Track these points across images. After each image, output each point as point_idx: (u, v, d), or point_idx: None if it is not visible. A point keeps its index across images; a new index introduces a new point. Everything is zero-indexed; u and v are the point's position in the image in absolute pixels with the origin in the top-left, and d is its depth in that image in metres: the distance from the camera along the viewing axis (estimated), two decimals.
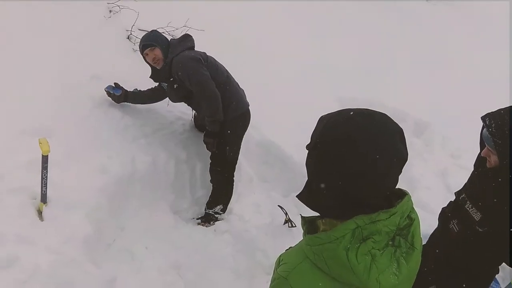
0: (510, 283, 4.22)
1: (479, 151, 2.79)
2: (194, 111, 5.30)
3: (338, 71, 7.88)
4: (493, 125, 2.46)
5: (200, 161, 5.28)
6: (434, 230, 3.29)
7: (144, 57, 4.85)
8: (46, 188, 3.70)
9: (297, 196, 1.62)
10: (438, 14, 10.72)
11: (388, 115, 1.51)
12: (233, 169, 5.09)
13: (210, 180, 5.11)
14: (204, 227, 4.98)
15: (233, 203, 5.22)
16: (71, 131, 4.49)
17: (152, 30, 5.01)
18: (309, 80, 7.34)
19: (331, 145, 1.45)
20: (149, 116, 5.31)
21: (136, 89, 5.25)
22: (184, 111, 5.55)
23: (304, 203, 1.59)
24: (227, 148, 4.89)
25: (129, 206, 4.63)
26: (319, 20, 8.70)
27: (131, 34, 6.29)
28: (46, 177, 3.66)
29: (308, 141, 1.56)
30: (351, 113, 1.49)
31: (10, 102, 4.39)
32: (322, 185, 1.50)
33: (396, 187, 1.56)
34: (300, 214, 1.75)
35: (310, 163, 1.56)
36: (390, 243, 1.52)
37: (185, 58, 4.62)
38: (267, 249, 4.58)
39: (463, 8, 11.65)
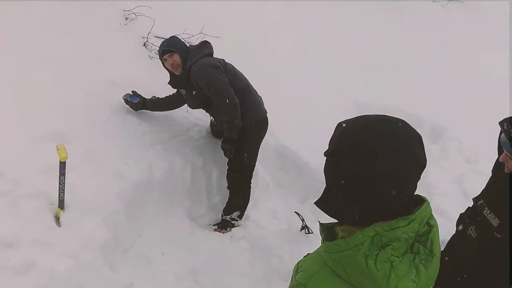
0: None
1: (497, 156, 2.76)
2: (211, 118, 5.30)
3: (354, 75, 7.86)
4: (511, 130, 2.43)
5: (217, 168, 5.28)
6: (452, 236, 3.27)
7: (162, 63, 4.84)
8: (64, 194, 3.73)
9: (315, 203, 1.61)
10: (450, 16, 10.65)
11: (406, 121, 1.50)
12: (250, 175, 5.09)
13: (227, 187, 5.10)
14: (221, 234, 4.98)
15: (249, 210, 5.21)
16: (88, 137, 4.52)
17: (172, 36, 5.00)
18: (325, 85, 7.33)
19: (349, 152, 1.44)
20: (166, 122, 5.33)
21: (154, 96, 5.26)
22: (200, 118, 5.56)
23: (322, 210, 1.58)
24: (245, 154, 4.89)
25: (146, 212, 4.64)
26: (333, 23, 8.68)
27: (147, 41, 6.32)
28: (64, 183, 3.68)
29: (325, 147, 1.55)
30: (369, 119, 1.49)
31: (28, 107, 4.42)
32: (340, 192, 1.49)
33: (415, 193, 1.54)
34: (319, 221, 1.74)
35: (328, 169, 1.56)
36: (409, 250, 1.51)
37: (203, 64, 4.61)
38: (284, 255, 4.56)
39: (472, 8, 11.59)
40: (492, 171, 2.95)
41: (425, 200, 1.56)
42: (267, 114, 5.00)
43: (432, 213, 1.60)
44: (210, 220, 5.23)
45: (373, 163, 1.39)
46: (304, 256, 1.86)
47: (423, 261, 1.52)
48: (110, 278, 3.63)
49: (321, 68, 7.55)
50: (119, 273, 3.86)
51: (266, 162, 5.69)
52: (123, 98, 5.08)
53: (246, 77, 4.97)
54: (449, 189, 6.10)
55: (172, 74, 4.87)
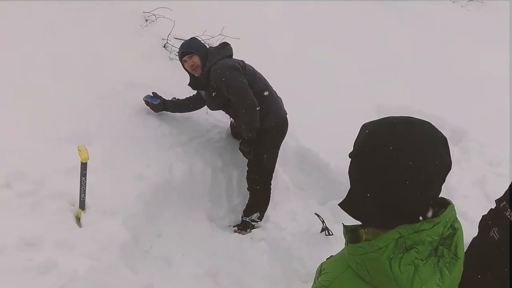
0: None
1: None
2: (231, 119, 5.31)
3: (374, 76, 7.82)
4: None
5: (237, 169, 5.28)
6: (474, 238, 3.23)
7: (182, 64, 4.84)
8: (85, 194, 3.75)
9: (339, 204, 1.60)
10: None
11: (431, 123, 1.49)
12: (270, 177, 5.07)
13: (247, 188, 5.10)
14: (241, 235, 4.97)
15: (269, 211, 5.20)
16: (109, 138, 4.55)
17: (192, 38, 5.01)
18: (346, 86, 7.30)
19: (374, 154, 1.43)
20: (186, 124, 5.34)
21: (175, 98, 5.27)
22: (220, 119, 5.56)
23: (346, 212, 1.58)
24: (264, 156, 4.88)
25: (165, 213, 4.64)
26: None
27: (167, 42, 6.34)
28: (85, 184, 3.70)
29: (346, 149, 1.55)
30: (394, 121, 1.48)
31: (49, 109, 4.47)
32: (365, 194, 1.48)
33: (439, 196, 1.52)
34: (343, 223, 1.73)
35: (353, 171, 1.55)
36: (433, 253, 1.49)
37: (223, 66, 4.60)
38: (304, 257, 4.54)
39: (492, 8, 11.49)
40: None
41: (450, 203, 1.54)
42: (287, 116, 4.97)
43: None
44: (230, 222, 5.23)
45: (398, 165, 1.38)
46: (327, 258, 1.85)
47: (447, 264, 1.50)
48: (130, 280, 3.64)
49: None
50: (139, 274, 3.86)
51: (286, 163, 5.68)
52: (144, 100, 5.09)
53: (266, 78, 4.96)
54: (470, 191, 6.04)
55: (191, 76, 4.87)
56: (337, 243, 4.65)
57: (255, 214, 5.06)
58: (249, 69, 4.81)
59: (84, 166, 3.63)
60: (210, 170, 5.10)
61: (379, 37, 8.86)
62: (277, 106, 4.89)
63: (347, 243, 1.62)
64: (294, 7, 8.64)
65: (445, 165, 1.44)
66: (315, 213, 5.04)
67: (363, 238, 1.59)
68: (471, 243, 3.24)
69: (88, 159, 3.60)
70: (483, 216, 3.18)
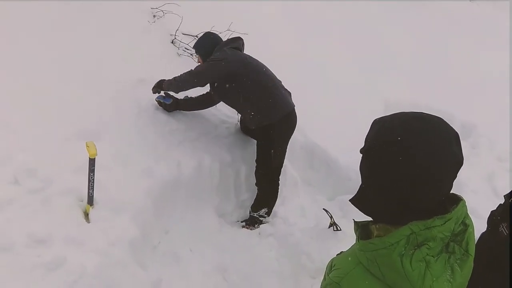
0: None
1: None
2: (239, 114, 5.32)
3: (382, 72, 7.79)
4: None
5: (245, 164, 5.27)
6: (483, 233, 3.22)
7: None
8: (93, 190, 3.75)
9: (350, 200, 1.60)
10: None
11: (443, 119, 1.48)
12: (278, 172, 5.06)
13: (255, 183, 5.10)
14: (249, 230, 4.98)
15: (278, 206, 5.20)
16: (118, 135, 4.55)
17: (203, 34, 5.17)
18: (354, 82, 7.27)
19: (386, 149, 1.43)
20: (194, 120, 5.33)
21: (187, 96, 5.30)
22: (228, 115, 5.56)
23: (358, 208, 1.57)
24: (272, 151, 4.87)
25: (174, 209, 4.65)
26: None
27: (175, 38, 6.33)
28: (93, 179, 3.70)
29: (354, 144, 1.55)
30: (406, 116, 1.47)
31: (58, 106, 4.48)
32: (376, 190, 1.48)
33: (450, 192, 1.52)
34: (353, 219, 1.72)
35: (364, 167, 1.54)
36: (444, 249, 1.49)
37: (215, 56, 4.75)
38: (312, 252, 4.54)
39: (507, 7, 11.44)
40: None
41: (461, 199, 1.53)
42: (296, 109, 4.94)
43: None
44: (238, 217, 5.25)
45: (410, 161, 1.38)
46: (338, 254, 1.85)
47: (458, 261, 1.50)
48: (139, 275, 3.65)
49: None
50: (148, 270, 3.87)
51: (294, 159, 5.68)
52: (156, 100, 5.12)
53: (272, 73, 4.95)
54: (479, 186, 6.02)
55: None
56: (346, 239, 4.64)
57: (263, 210, 5.06)
58: (250, 63, 4.81)
59: (92, 162, 3.63)
60: (218, 166, 5.10)
61: (379, 37, 8.82)
62: (282, 99, 4.84)
63: (358, 239, 1.62)
64: (293, 7, 8.61)
65: (457, 161, 1.44)
66: (323, 209, 5.02)
67: (374, 234, 1.59)
68: (479, 238, 3.23)
69: (97, 155, 3.60)
70: (492, 211, 3.17)
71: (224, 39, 5.14)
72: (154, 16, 6.46)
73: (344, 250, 1.82)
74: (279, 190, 5.18)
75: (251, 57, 4.88)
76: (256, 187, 5.11)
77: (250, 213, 5.14)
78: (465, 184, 5.76)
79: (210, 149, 5.10)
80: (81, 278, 3.32)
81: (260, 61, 4.94)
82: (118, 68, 5.24)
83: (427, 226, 1.42)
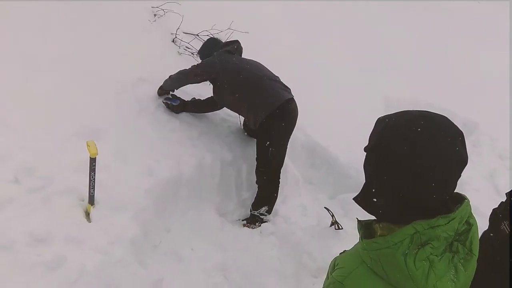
0: None
1: None
2: (241, 117, 5.38)
3: (382, 72, 7.79)
4: None
5: (246, 163, 5.27)
6: (485, 232, 3.21)
7: None
8: (94, 190, 3.75)
9: (353, 199, 1.59)
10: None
11: (448, 118, 1.47)
12: (279, 170, 5.06)
13: (256, 181, 5.09)
14: (250, 229, 4.97)
15: (279, 205, 5.19)
16: (118, 133, 4.55)
17: (206, 40, 5.46)
18: (354, 82, 7.27)
19: (391, 148, 1.42)
20: (195, 118, 5.33)
21: (194, 98, 5.35)
22: (229, 113, 5.55)
23: (361, 206, 1.57)
24: (271, 149, 4.87)
25: (175, 208, 4.65)
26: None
27: (176, 37, 6.32)
28: (94, 179, 3.70)
29: (356, 142, 1.54)
30: (411, 115, 1.46)
31: (58, 105, 4.47)
32: (380, 189, 1.48)
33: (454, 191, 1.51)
34: (357, 218, 1.71)
35: (368, 165, 1.54)
36: (448, 249, 1.48)
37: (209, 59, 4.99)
38: (313, 251, 4.53)
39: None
40: None
41: (466, 198, 1.53)
42: (292, 99, 4.92)
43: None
44: (239, 216, 5.24)
45: (415, 160, 1.37)
46: (341, 253, 1.84)
47: (461, 261, 1.49)
48: (140, 274, 3.65)
49: (354, 65, 7.48)
50: (149, 269, 3.87)
51: (295, 157, 5.68)
52: (163, 102, 5.18)
53: (262, 68, 5.05)
54: (481, 185, 6.02)
55: None
56: (347, 237, 4.64)
57: (263, 208, 5.05)
58: (235, 63, 4.95)
59: (93, 161, 3.62)
60: (219, 164, 5.10)
61: (379, 37, 8.81)
62: (273, 93, 4.86)
63: (361, 238, 1.61)
64: (293, 6, 8.60)
65: (462, 160, 1.43)
66: (325, 207, 5.02)
67: (378, 234, 1.58)
68: (481, 237, 3.22)
69: (97, 154, 3.60)
70: (493, 209, 3.16)
71: (225, 38, 5.18)
72: (155, 15, 6.44)
73: (346, 249, 1.81)
74: (280, 188, 5.16)
75: (239, 58, 5.05)
76: (257, 185, 5.11)
77: (250, 211, 5.13)
78: (466, 182, 5.75)
79: (211, 147, 5.09)
80: (81, 277, 3.32)
81: (251, 59, 5.06)
82: (119, 67, 5.23)
83: (431, 225, 1.42)
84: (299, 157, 5.76)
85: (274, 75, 5.01)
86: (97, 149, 3.59)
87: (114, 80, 5.05)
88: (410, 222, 1.43)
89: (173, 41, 6.31)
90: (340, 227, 4.82)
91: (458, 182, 1.47)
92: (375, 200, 1.51)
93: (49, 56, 4.91)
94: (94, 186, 3.73)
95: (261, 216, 5.06)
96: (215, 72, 4.87)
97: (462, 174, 1.46)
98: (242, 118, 5.43)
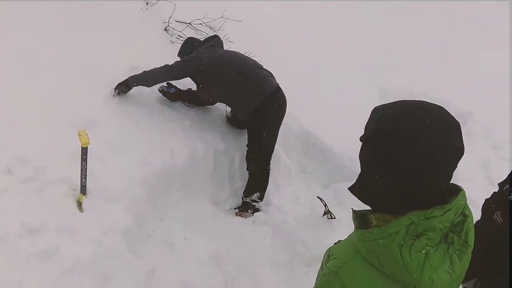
0: None
1: None
2: (228, 109, 5.41)
3: (377, 60, 7.78)
4: None
5: (239, 152, 5.26)
6: (477, 222, 3.21)
7: None
8: (86, 179, 3.73)
9: (349, 189, 1.59)
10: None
11: (445, 108, 1.47)
12: (269, 157, 5.07)
13: (246, 168, 5.11)
14: (243, 218, 4.97)
15: (272, 194, 5.19)
16: (111, 123, 4.53)
17: (185, 40, 5.34)
18: (349, 69, 7.26)
19: (387, 138, 1.41)
20: (188, 108, 5.33)
21: (190, 88, 5.35)
22: (223, 103, 5.53)
23: (357, 196, 1.56)
24: (264, 134, 4.90)
25: (168, 197, 4.64)
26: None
27: (168, 26, 6.29)
28: (86, 168, 3.68)
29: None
30: (408, 105, 1.46)
31: (51, 95, 4.44)
32: (376, 179, 1.46)
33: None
34: (352, 208, 1.70)
35: (364, 155, 1.53)
36: (443, 240, 1.48)
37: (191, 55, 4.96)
38: (307, 240, 4.54)
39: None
40: None
41: (461, 189, 1.53)
42: (290, 97, 4.95)
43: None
44: (232, 205, 5.23)
45: (411, 150, 1.37)
46: (335, 243, 1.83)
47: (457, 252, 1.49)
48: (133, 264, 3.65)
49: (348, 53, 7.47)
50: (142, 258, 3.86)
51: (288, 146, 5.67)
52: (159, 90, 5.18)
53: (248, 59, 5.12)
54: (474, 175, 6.04)
55: None
56: (340, 227, 4.65)
57: (255, 194, 5.05)
58: (222, 55, 4.97)
59: (84, 151, 3.60)
60: (212, 154, 5.09)
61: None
62: (263, 80, 4.94)
63: (356, 228, 1.60)
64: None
65: (458, 151, 1.43)
66: (318, 197, 5.02)
67: (373, 224, 1.57)
68: (474, 227, 3.23)
69: (89, 143, 3.57)
70: (486, 199, 3.17)
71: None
72: (147, 3, 6.40)
73: (339, 238, 1.81)
74: (272, 177, 5.18)
75: (225, 50, 5.09)
76: (248, 172, 5.12)
77: (242, 198, 5.13)
78: (459, 172, 5.76)
79: (204, 137, 5.08)
80: (74, 267, 3.32)
81: (234, 51, 5.15)
82: (111, 56, 5.20)
83: (427, 216, 1.41)
84: (292, 146, 5.75)
85: (258, 63, 5.08)
86: (88, 139, 3.57)
87: (106, 69, 5.01)
88: (406, 213, 1.43)
89: (165, 29, 6.28)
90: (333, 217, 4.83)
91: None
92: (370, 190, 1.51)
93: (41, 46, 4.89)
94: (86, 175, 3.71)
95: (253, 203, 5.06)
96: (204, 65, 4.83)
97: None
98: (228, 109, 5.42)
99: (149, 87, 4.99)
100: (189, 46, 5.11)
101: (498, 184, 3.03)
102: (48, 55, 4.83)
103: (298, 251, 4.48)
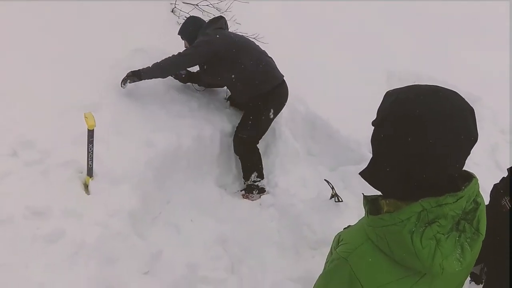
0: None
1: None
2: (228, 92, 5.41)
3: (384, 43, 7.73)
4: None
5: None
6: (485, 207, 3.19)
7: None
8: (92, 162, 3.73)
9: (360, 173, 1.56)
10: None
11: (458, 93, 1.43)
12: (258, 140, 5.10)
13: (234, 151, 5.12)
14: (250, 201, 4.97)
15: (279, 177, 5.17)
16: (117, 105, 4.52)
17: (187, 18, 5.21)
18: (355, 52, 7.21)
19: (400, 123, 1.39)
20: (195, 90, 5.30)
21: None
22: None
23: (368, 181, 1.53)
24: (263, 118, 4.96)
25: (174, 179, 4.63)
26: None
27: (175, 7, 6.25)
28: (92, 151, 3.67)
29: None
30: (421, 89, 1.43)
31: (56, 77, 4.43)
32: (388, 164, 1.44)
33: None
34: (362, 193, 1.68)
35: (376, 140, 1.50)
36: (455, 227, 1.46)
37: (201, 38, 4.86)
38: (313, 223, 4.53)
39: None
40: None
41: (474, 177, 1.50)
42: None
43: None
44: (238, 187, 5.23)
45: (424, 135, 1.34)
46: (345, 228, 1.81)
47: (468, 240, 1.47)
48: (139, 246, 3.65)
49: (356, 36, 7.43)
50: (148, 241, 3.87)
51: (295, 129, 5.64)
52: None
53: (257, 46, 5.11)
54: (481, 159, 6.00)
55: None
56: (347, 210, 4.63)
57: (253, 175, 5.05)
58: (234, 40, 4.93)
59: (91, 133, 3.59)
60: (219, 136, 5.08)
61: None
62: (272, 71, 4.99)
63: (367, 214, 1.57)
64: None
65: (472, 137, 1.40)
66: (325, 180, 5.00)
67: (384, 210, 1.55)
68: None
69: (95, 126, 3.56)
70: (494, 184, 3.15)
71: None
72: None
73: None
74: (279, 160, 5.23)
75: (235, 33, 5.05)
76: (237, 156, 5.14)
77: (244, 183, 5.13)
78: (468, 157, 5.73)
79: (211, 119, 5.07)
80: (81, 249, 3.33)
81: (243, 35, 5.08)
82: (117, 37, 5.17)
83: (439, 203, 1.39)
84: (299, 129, 5.72)
85: (263, 50, 5.10)
86: (95, 121, 3.56)
87: (113, 51, 5.00)
88: (417, 199, 1.40)
89: (172, 11, 6.24)
90: (340, 200, 4.81)
91: None
92: (381, 175, 1.48)
93: (45, 27, 4.87)
94: (92, 158, 3.71)
95: (255, 183, 5.05)
96: (217, 49, 4.78)
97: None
98: (229, 93, 5.42)
99: (164, 78, 4.96)
100: (195, 27, 5.04)
101: (508, 169, 3.02)
102: (52, 37, 4.81)
103: (305, 234, 4.48)
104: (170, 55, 4.76)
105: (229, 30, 5.20)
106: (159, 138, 4.48)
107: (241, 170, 5.14)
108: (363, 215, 1.61)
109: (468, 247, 1.45)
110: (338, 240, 1.68)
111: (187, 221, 4.38)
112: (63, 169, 3.77)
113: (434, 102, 1.37)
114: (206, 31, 4.92)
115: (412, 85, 1.46)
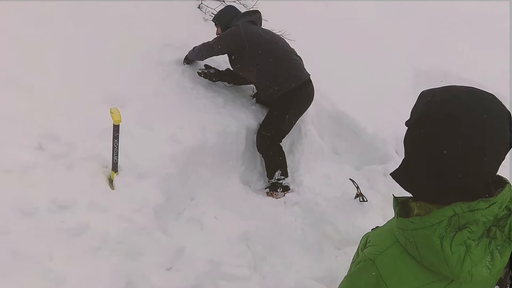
0: None
1: None
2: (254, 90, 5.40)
3: (412, 40, 7.65)
4: None
5: None
6: None
7: None
8: (118, 157, 3.73)
9: (391, 174, 1.53)
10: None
11: (495, 95, 1.39)
12: (281, 139, 5.09)
13: (258, 149, 5.11)
14: (274, 199, 4.95)
15: (303, 175, 5.15)
16: (143, 100, 4.53)
17: (225, 6, 5.30)
18: (383, 49, 7.15)
19: (435, 124, 1.35)
20: (220, 86, 5.31)
21: (229, 68, 5.32)
22: None
23: (399, 183, 1.50)
24: (287, 116, 4.94)
25: (199, 175, 4.64)
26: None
27: (201, 3, 6.27)
28: (117, 146, 3.68)
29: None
30: (458, 91, 1.38)
31: (83, 71, 4.45)
32: (420, 166, 1.41)
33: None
34: (393, 195, 1.64)
35: (409, 140, 1.47)
36: (486, 234, 1.41)
37: (230, 30, 4.94)
38: (337, 223, 4.48)
39: None
40: None
41: (507, 182, 1.45)
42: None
43: None
44: (263, 185, 5.22)
45: (460, 138, 1.30)
46: (373, 229, 1.78)
47: (498, 247, 1.41)
48: (163, 242, 3.65)
49: (382, 33, 7.37)
50: (172, 236, 3.87)
51: (321, 127, 5.61)
52: (199, 73, 5.20)
53: (286, 43, 5.12)
54: (506, 160, 5.87)
55: None
56: (371, 210, 4.57)
57: (277, 173, 5.04)
58: (262, 35, 4.97)
59: (116, 128, 3.60)
60: (245, 133, 5.08)
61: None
62: (298, 69, 4.99)
63: (397, 216, 1.54)
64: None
65: (508, 142, 1.35)
66: (350, 179, 4.94)
67: (414, 213, 1.51)
68: None
69: (121, 121, 3.57)
70: None
71: (251, 4, 5.14)
72: None
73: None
74: (305, 158, 5.21)
75: (264, 29, 5.05)
76: (260, 154, 5.14)
77: (268, 181, 5.11)
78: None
79: (237, 116, 5.07)
80: (104, 244, 3.33)
81: (273, 32, 5.11)
82: (144, 33, 5.19)
83: (471, 208, 1.35)
84: (325, 126, 5.69)
85: (291, 48, 5.09)
86: (120, 116, 3.56)
87: (140, 46, 5.03)
88: (449, 203, 1.36)
89: (199, 7, 6.26)
90: (365, 199, 4.75)
91: None
92: (413, 177, 1.45)
93: (74, 20, 4.89)
94: (117, 153, 3.72)
95: (279, 181, 5.03)
96: (242, 43, 4.83)
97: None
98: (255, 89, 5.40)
99: (202, 60, 5.21)
100: (230, 16, 5.14)
101: None
102: (81, 31, 4.83)
103: (328, 233, 4.43)
104: (204, 42, 4.95)
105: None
106: (185, 134, 4.49)
107: (265, 168, 5.12)
108: (388, 216, 1.57)
109: (498, 255, 1.40)
110: (366, 241, 1.65)
111: (211, 217, 4.37)
112: (89, 163, 3.78)
113: (471, 104, 1.33)
114: (237, 22, 4.97)
115: (449, 86, 1.43)
